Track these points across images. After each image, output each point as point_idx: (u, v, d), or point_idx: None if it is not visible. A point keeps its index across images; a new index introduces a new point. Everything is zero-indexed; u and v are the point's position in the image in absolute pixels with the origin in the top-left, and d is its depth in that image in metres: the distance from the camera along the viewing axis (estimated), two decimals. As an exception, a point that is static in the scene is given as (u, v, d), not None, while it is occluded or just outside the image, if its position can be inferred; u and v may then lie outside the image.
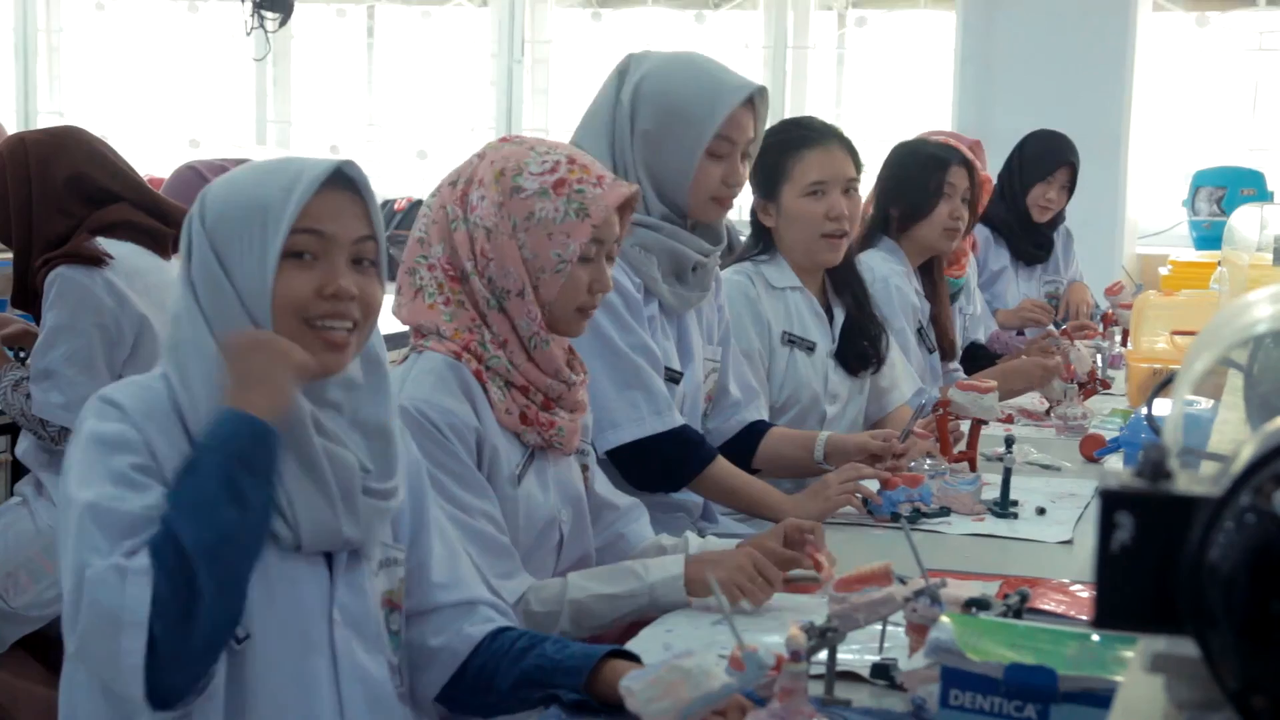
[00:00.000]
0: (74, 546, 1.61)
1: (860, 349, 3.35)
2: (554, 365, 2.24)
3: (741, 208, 3.41)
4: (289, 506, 1.73)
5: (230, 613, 1.64)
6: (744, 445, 3.00)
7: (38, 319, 3.29)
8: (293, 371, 1.71)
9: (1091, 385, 3.73)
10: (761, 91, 2.79)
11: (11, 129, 5.84)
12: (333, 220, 1.76)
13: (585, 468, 2.45)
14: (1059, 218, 5.40)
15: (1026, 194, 5.19)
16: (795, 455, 2.97)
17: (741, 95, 2.73)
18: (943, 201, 3.79)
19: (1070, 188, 5.26)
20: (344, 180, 1.79)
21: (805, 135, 3.22)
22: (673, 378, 2.80)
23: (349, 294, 1.76)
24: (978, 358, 4.36)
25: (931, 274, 3.95)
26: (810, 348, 3.22)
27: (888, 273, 3.74)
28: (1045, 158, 5.17)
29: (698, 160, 2.72)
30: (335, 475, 1.76)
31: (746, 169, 2.85)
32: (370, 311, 1.81)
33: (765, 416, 3.06)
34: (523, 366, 2.22)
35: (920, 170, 3.84)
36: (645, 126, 2.73)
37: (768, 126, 3.23)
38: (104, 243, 3.23)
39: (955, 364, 4.16)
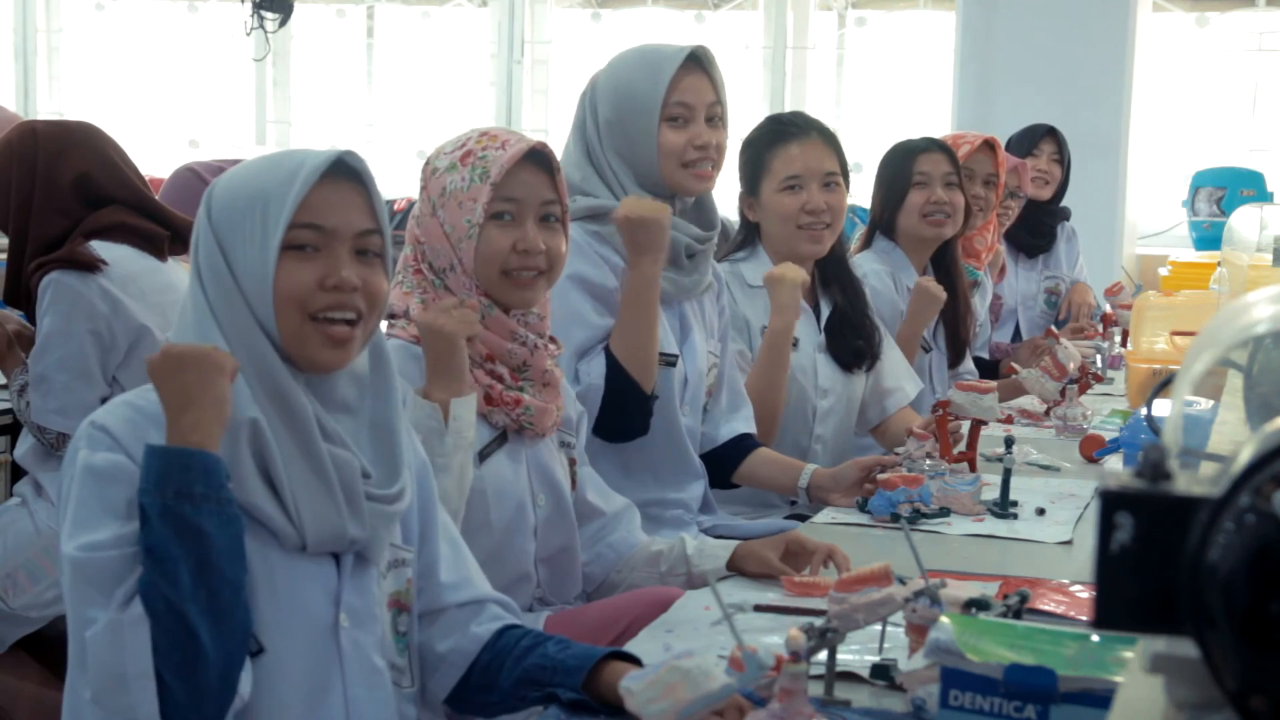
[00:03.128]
0: (71, 600, 1.64)
1: (853, 345, 3.35)
2: (507, 328, 2.31)
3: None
4: (294, 507, 1.73)
5: (238, 639, 1.65)
6: (728, 457, 3.01)
7: (31, 319, 3.29)
8: (229, 378, 1.69)
9: (1085, 380, 3.72)
10: (704, 52, 2.85)
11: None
12: (334, 213, 1.76)
13: (573, 461, 2.46)
14: (1061, 213, 5.41)
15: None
16: (778, 480, 2.98)
17: (680, 57, 2.81)
18: (914, 189, 3.82)
19: (1063, 161, 5.30)
20: (346, 171, 1.79)
21: (785, 130, 3.25)
22: (667, 361, 2.81)
23: (351, 285, 1.76)
24: (979, 367, 4.36)
25: (948, 269, 3.94)
26: (793, 342, 3.22)
27: (868, 271, 3.76)
28: (1025, 137, 5.33)
29: (656, 128, 2.79)
30: (339, 476, 1.76)
31: (722, 135, 2.88)
32: (375, 303, 1.80)
33: (753, 429, 3.07)
34: (481, 335, 2.29)
35: (890, 164, 3.90)
36: (606, 116, 2.83)
37: (754, 126, 3.25)
38: (99, 246, 3.21)
39: (967, 368, 4.15)
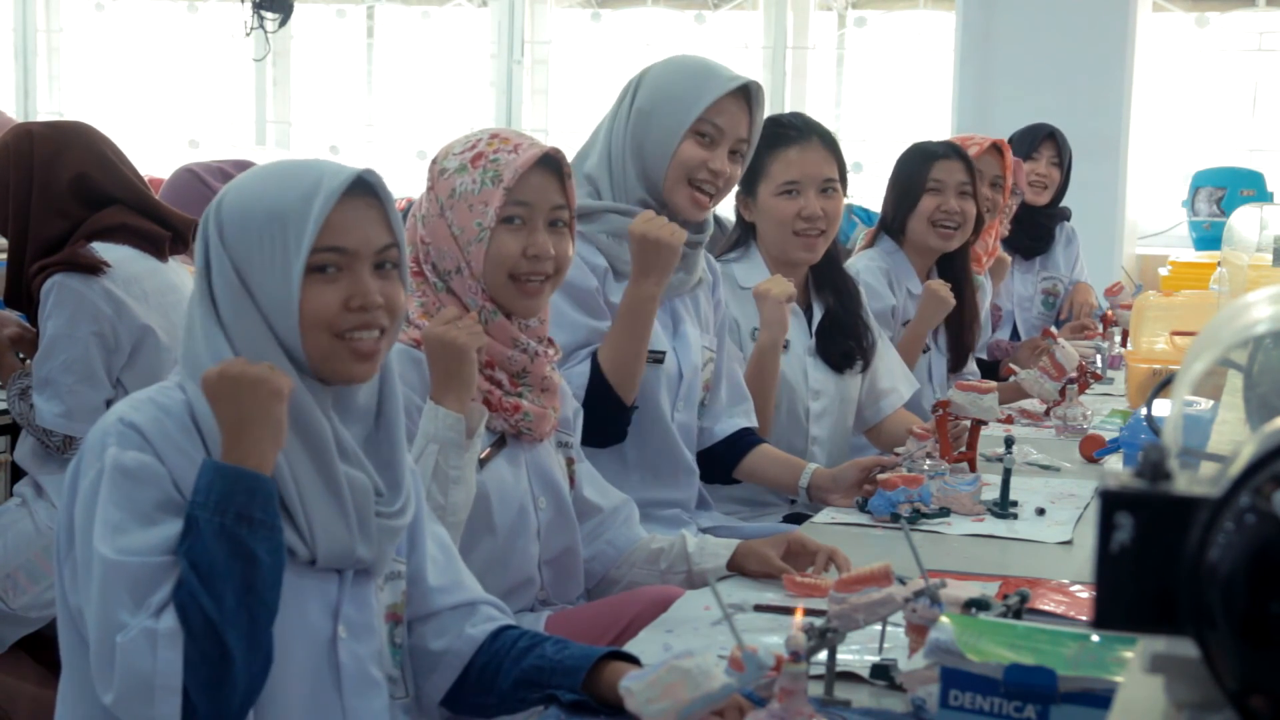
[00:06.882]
0: (99, 600, 1.62)
1: (843, 347, 3.35)
2: (509, 335, 2.30)
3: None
4: (307, 523, 1.73)
5: (262, 663, 1.65)
6: (729, 452, 3.01)
7: (33, 321, 3.29)
8: (284, 400, 1.69)
9: (1083, 379, 3.72)
10: (756, 88, 2.85)
11: (12, 128, 5.81)
12: (354, 233, 1.75)
13: (571, 461, 2.46)
14: (1061, 214, 5.41)
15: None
16: (779, 477, 2.99)
17: (732, 84, 2.81)
18: (927, 195, 3.81)
19: (1062, 164, 5.29)
20: (362, 186, 1.77)
21: (785, 134, 3.24)
22: (655, 358, 2.82)
23: (376, 303, 1.76)
24: (979, 367, 4.36)
25: (956, 276, 3.94)
26: (784, 344, 3.22)
27: (862, 267, 3.76)
28: (1025, 138, 5.30)
29: (680, 136, 2.79)
30: (353, 497, 1.76)
31: (737, 169, 2.87)
32: (396, 315, 1.80)
33: (753, 423, 3.07)
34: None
35: (906, 166, 3.90)
36: (641, 105, 2.83)
37: None
38: (100, 247, 3.21)
39: (969, 368, 4.15)
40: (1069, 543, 2.56)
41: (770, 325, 3.09)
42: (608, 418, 2.72)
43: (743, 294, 3.23)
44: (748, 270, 3.27)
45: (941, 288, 3.77)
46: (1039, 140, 5.29)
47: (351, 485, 1.76)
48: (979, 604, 1.75)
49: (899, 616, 1.73)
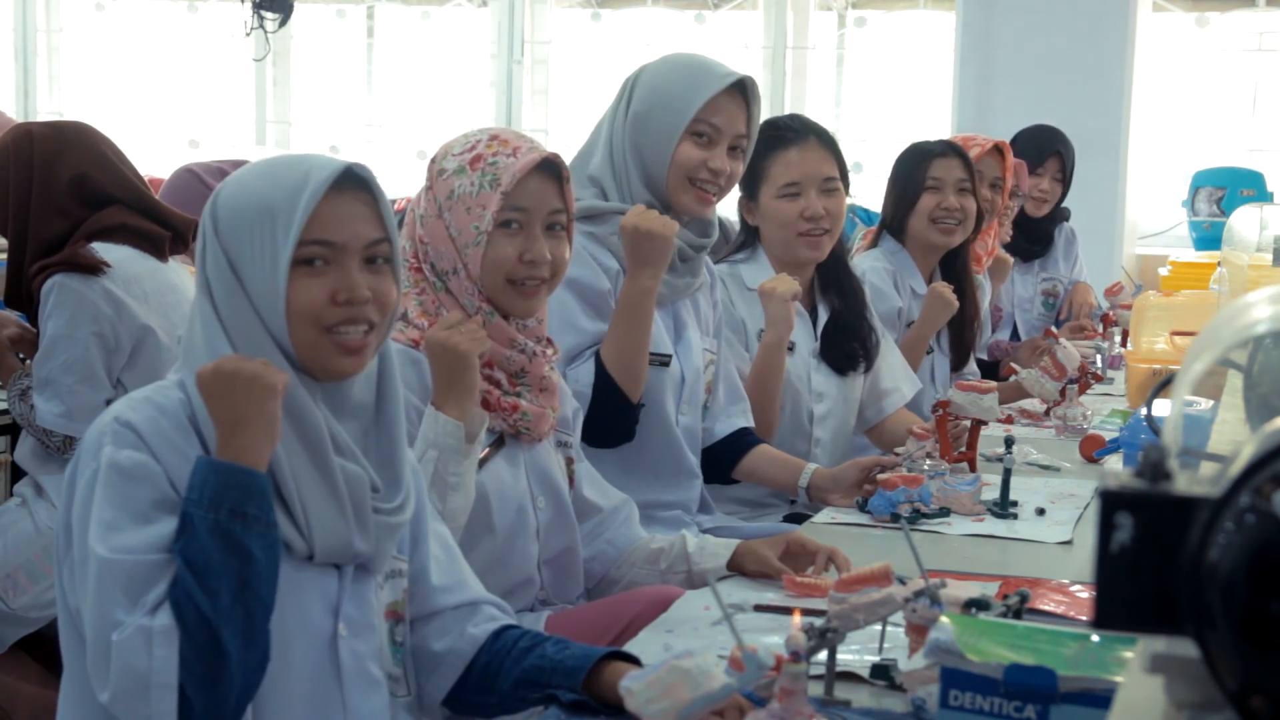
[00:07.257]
0: (95, 599, 1.62)
1: (848, 349, 3.35)
2: (506, 335, 2.29)
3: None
4: (304, 517, 1.73)
5: (259, 660, 1.65)
6: (728, 452, 3.01)
7: (32, 321, 3.29)
8: (279, 397, 1.69)
9: (1084, 380, 3.72)
10: (751, 84, 2.85)
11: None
12: (343, 227, 1.75)
13: (570, 460, 2.46)
14: (1060, 214, 5.40)
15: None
16: (778, 477, 2.99)
17: (726, 81, 2.81)
18: (926, 193, 3.82)
19: (1064, 179, 5.28)
20: (353, 180, 1.77)
21: (782, 135, 3.24)
22: (661, 361, 2.81)
23: (363, 298, 1.75)
24: (979, 367, 4.36)
25: (958, 275, 3.94)
26: (789, 346, 3.22)
27: (867, 269, 3.76)
28: (1032, 150, 5.23)
29: (678, 138, 2.79)
30: (349, 491, 1.76)
31: (738, 165, 2.86)
32: (386, 311, 1.80)
33: (751, 423, 3.07)
34: None
35: (904, 165, 3.90)
36: (637, 108, 2.83)
37: None
38: (100, 248, 3.21)
39: (970, 369, 4.15)
40: (1069, 543, 2.56)
41: (775, 323, 3.09)
42: (615, 416, 2.72)
43: (750, 295, 3.23)
44: (755, 271, 3.26)
45: (946, 290, 3.78)
46: (1046, 156, 5.23)
47: (346, 478, 1.76)
48: (979, 604, 1.75)
49: (899, 616, 1.74)
